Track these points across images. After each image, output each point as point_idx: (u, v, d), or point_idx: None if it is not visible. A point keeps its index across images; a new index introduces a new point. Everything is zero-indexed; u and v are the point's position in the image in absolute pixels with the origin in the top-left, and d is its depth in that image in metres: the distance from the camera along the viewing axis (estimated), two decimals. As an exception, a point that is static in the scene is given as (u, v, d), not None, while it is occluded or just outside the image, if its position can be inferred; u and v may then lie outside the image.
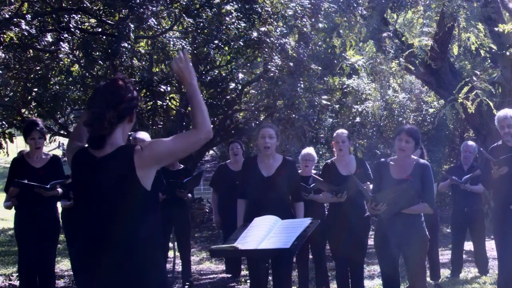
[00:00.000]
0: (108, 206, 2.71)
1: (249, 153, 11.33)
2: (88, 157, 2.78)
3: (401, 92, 13.26)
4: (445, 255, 9.10)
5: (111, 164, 2.72)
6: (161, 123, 9.86)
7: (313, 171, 6.96)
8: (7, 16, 5.90)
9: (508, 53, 9.14)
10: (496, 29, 8.90)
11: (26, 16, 6.01)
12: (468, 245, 8.15)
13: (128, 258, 2.70)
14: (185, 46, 7.06)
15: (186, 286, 7.03)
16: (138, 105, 2.89)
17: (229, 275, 7.98)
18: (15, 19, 5.83)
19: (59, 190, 5.93)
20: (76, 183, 2.86)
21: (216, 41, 7.34)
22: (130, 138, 6.09)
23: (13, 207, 6.06)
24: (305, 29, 7.99)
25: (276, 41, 7.72)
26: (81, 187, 2.81)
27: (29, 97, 8.85)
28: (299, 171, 6.99)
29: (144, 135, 6.14)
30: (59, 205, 6.60)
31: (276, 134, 5.17)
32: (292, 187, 5.23)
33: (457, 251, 7.58)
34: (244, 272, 7.83)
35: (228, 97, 9.78)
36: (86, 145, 2.87)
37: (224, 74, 9.72)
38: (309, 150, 6.85)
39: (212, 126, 9.28)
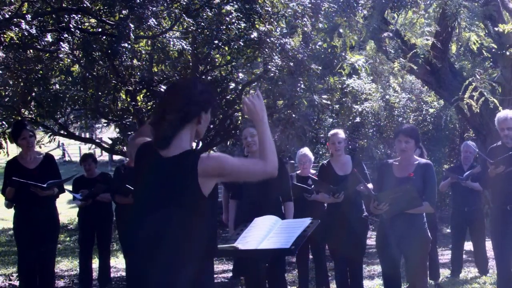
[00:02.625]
0: (165, 206, 2.73)
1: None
2: (154, 153, 2.80)
3: (401, 92, 13.25)
4: (445, 255, 9.11)
5: (175, 166, 2.73)
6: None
7: (312, 171, 6.95)
8: (7, 16, 5.89)
9: (508, 53, 9.14)
10: (496, 29, 8.89)
11: (26, 16, 5.98)
12: (468, 245, 8.16)
13: (176, 260, 2.71)
14: (185, 47, 7.06)
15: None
16: (212, 106, 2.89)
17: (231, 275, 7.99)
18: (15, 19, 5.81)
19: (55, 189, 5.92)
20: (138, 177, 2.89)
21: (216, 41, 7.33)
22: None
23: (13, 207, 6.06)
24: (305, 29, 7.98)
25: (276, 41, 7.71)
26: (142, 182, 2.84)
27: (29, 97, 8.83)
28: (298, 171, 6.99)
29: None
30: (60, 205, 6.61)
31: None
32: (282, 187, 5.24)
33: (457, 251, 7.58)
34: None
35: (228, 97, 9.75)
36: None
37: (224, 74, 9.70)
38: (305, 150, 6.85)
39: (212, 126, 9.27)
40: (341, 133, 5.92)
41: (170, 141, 2.76)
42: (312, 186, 6.43)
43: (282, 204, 5.30)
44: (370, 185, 5.44)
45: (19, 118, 8.86)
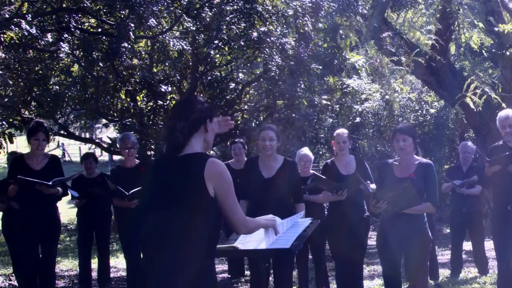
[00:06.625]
0: (169, 207, 2.87)
1: (249, 153, 11.34)
2: (166, 160, 3.02)
3: (401, 92, 13.24)
4: (445, 255, 9.11)
5: (184, 163, 2.92)
6: (161, 123, 9.85)
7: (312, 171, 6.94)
8: (7, 16, 5.88)
9: (508, 53, 9.14)
10: (496, 29, 8.89)
11: (26, 16, 5.98)
12: (468, 245, 8.16)
13: (185, 258, 2.81)
14: (185, 47, 7.05)
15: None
16: (213, 116, 3.12)
17: (229, 276, 7.99)
18: (15, 19, 5.80)
19: (59, 189, 5.91)
20: (152, 180, 3.05)
21: (216, 41, 7.33)
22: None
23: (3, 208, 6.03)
24: (306, 28, 7.96)
25: (276, 41, 7.70)
26: (156, 184, 2.99)
27: (29, 97, 8.83)
28: (297, 171, 6.98)
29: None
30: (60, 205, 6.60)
31: (276, 136, 5.19)
32: (293, 188, 5.23)
33: (457, 251, 7.59)
34: (247, 272, 7.83)
35: (228, 97, 9.74)
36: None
37: (224, 74, 9.69)
38: (305, 150, 6.85)
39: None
40: (345, 133, 5.93)
41: (183, 148, 2.95)
42: (307, 185, 6.42)
43: (294, 205, 5.29)
44: (373, 186, 5.43)
45: (20, 118, 8.87)
